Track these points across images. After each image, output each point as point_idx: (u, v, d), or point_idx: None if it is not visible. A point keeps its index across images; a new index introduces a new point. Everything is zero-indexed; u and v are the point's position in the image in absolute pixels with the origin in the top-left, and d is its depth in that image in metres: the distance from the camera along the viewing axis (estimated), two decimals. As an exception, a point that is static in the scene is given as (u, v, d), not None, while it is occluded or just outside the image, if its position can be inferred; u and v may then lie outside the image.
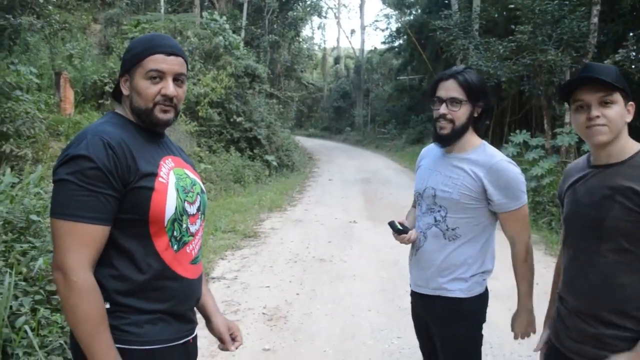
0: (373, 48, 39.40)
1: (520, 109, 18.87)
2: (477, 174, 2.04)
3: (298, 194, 12.42)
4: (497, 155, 2.07)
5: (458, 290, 2.08)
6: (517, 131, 11.04)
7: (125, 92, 1.58)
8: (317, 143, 29.80)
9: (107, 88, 11.31)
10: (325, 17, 42.49)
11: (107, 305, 1.43)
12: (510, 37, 11.41)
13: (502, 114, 20.25)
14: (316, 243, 7.14)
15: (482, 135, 2.16)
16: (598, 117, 1.65)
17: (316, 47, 42.95)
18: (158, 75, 1.53)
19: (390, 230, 2.19)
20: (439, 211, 2.11)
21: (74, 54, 11.82)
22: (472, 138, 2.11)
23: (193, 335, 1.65)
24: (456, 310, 2.09)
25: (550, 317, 2.00)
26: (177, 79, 1.57)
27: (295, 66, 25.83)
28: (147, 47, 1.55)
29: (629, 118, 1.70)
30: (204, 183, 8.66)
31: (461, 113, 2.03)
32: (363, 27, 38.48)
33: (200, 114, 13.47)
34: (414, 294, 2.27)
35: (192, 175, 1.66)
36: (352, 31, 67.44)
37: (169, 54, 1.55)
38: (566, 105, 11.21)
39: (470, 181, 2.04)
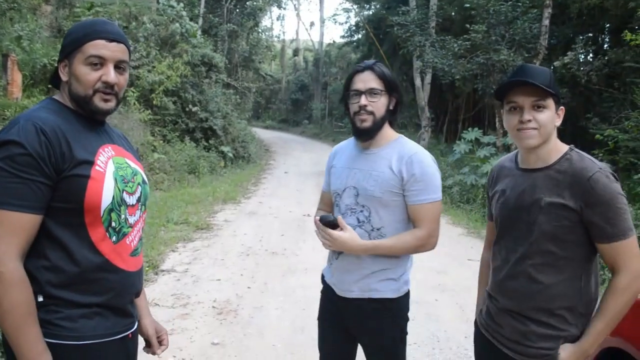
0: (332, 41, 39.41)
1: (474, 106, 19.30)
2: (396, 168, 2.00)
3: (253, 186, 12.35)
4: (415, 147, 2.05)
5: (389, 290, 2.04)
6: (470, 129, 11.26)
7: (63, 77, 1.53)
8: (274, 135, 29.67)
9: (57, 72, 10.90)
10: (284, 9, 42.15)
11: (40, 298, 1.39)
12: (465, 36, 11.62)
13: (456, 111, 20.68)
14: (269, 236, 7.12)
15: (398, 129, 2.17)
16: (530, 120, 1.69)
17: (275, 39, 42.66)
18: (99, 62, 1.49)
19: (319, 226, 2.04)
20: (361, 211, 2.04)
21: (23, 35, 11.33)
22: (388, 132, 2.09)
23: (132, 330, 1.60)
24: (387, 310, 2.04)
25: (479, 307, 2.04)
26: (119, 66, 1.53)
27: (253, 57, 25.49)
28: (88, 32, 1.50)
29: (558, 122, 1.76)
30: (157, 173, 8.45)
31: (380, 104, 2.02)
32: (322, 20, 38.37)
33: (154, 102, 13.18)
34: (339, 299, 2.13)
35: (133, 164, 1.62)
36: (312, 24, 67.27)
37: (111, 40, 1.50)
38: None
39: (391, 176, 2.00)
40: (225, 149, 15.54)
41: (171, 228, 7.26)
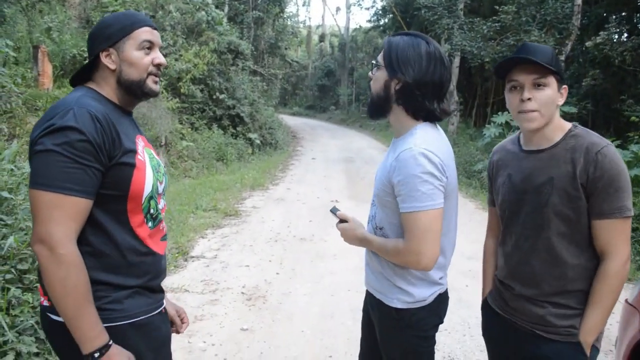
0: (358, 26, 39.09)
1: (503, 89, 18.92)
2: (390, 166, 1.72)
3: (281, 172, 12.36)
4: (411, 142, 1.67)
5: (396, 299, 1.79)
6: (500, 113, 11.04)
7: (111, 65, 1.55)
8: (301, 121, 29.67)
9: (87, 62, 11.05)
10: (310, -6, 41.87)
11: None
12: (494, 17, 11.37)
13: (485, 94, 20.32)
14: (297, 222, 7.12)
15: (419, 118, 1.77)
16: (530, 99, 1.65)
17: (301, 25, 42.49)
18: (150, 46, 1.57)
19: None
20: (373, 205, 1.89)
21: (53, 27, 11.52)
22: (404, 120, 1.77)
23: (164, 305, 1.68)
24: (393, 320, 1.81)
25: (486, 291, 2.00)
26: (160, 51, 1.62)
27: (279, 43, 25.46)
28: (134, 20, 1.56)
29: (561, 101, 1.71)
30: (185, 160, 8.55)
31: (376, 79, 1.78)
32: (348, 5, 38.05)
33: (182, 90, 13.27)
34: (366, 290, 2.02)
35: (156, 156, 1.68)
36: (338, 9, 66.84)
37: (154, 28, 1.60)
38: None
39: (385, 171, 1.75)
40: (252, 136, 15.59)
41: (200, 215, 7.32)
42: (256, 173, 11.51)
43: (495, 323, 1.89)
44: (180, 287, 4.49)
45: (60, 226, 1.35)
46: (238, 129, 15.22)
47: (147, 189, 1.52)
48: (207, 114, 14.39)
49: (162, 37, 13.17)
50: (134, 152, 1.50)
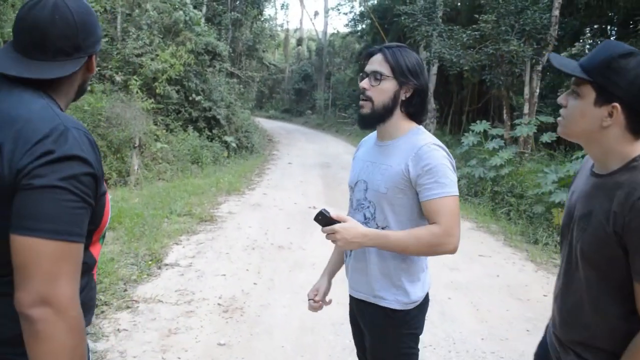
0: (336, 31, 39.13)
1: (479, 98, 19.08)
2: (402, 162, 1.80)
3: (257, 177, 12.18)
4: (425, 139, 1.82)
5: (394, 300, 1.85)
6: (478, 121, 11.07)
7: (82, 75, 1.33)
8: (277, 125, 29.48)
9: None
10: (288, -3, 41.73)
11: None
12: (474, 26, 11.40)
13: (461, 102, 20.47)
14: (275, 229, 6.96)
15: (420, 122, 1.92)
16: (563, 105, 1.44)
17: (279, 28, 42.31)
18: None
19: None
20: (368, 207, 1.89)
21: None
22: (402, 123, 1.87)
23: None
24: (390, 320, 1.86)
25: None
26: None
27: (257, 46, 25.21)
28: (100, 31, 1.33)
29: (608, 122, 1.36)
30: (160, 163, 8.28)
31: (381, 90, 1.81)
32: (327, 10, 38.06)
33: (157, 90, 12.99)
34: (351, 298, 2.06)
35: None
36: (316, 13, 66.93)
37: None
38: (525, 96, 11.43)
39: (397, 171, 1.81)
40: (228, 139, 15.38)
41: (174, 220, 7.11)
42: (232, 177, 11.31)
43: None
44: (153, 298, 4.29)
45: (71, 282, 1.09)
46: (214, 131, 14.99)
47: (107, 217, 1.31)
48: (182, 116, 14.13)
49: (138, 36, 13.03)
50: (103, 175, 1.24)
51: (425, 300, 1.95)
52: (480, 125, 10.72)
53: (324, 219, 1.76)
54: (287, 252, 5.87)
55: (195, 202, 8.30)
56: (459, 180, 8.50)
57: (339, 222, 1.76)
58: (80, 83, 1.33)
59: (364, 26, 30.22)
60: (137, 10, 13.85)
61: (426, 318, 3.85)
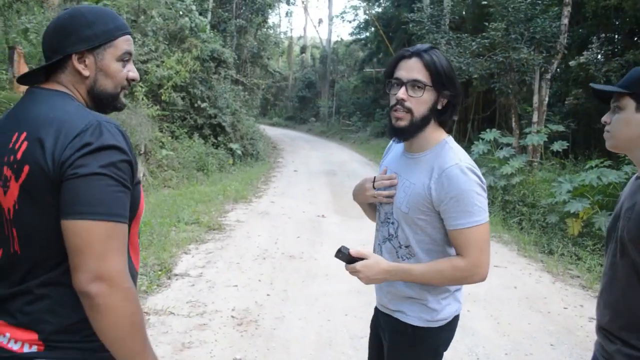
0: (340, 39, 39.14)
1: (484, 107, 18.97)
2: (425, 182, 1.69)
3: (263, 184, 12.08)
4: (452, 158, 1.67)
5: (416, 317, 1.76)
6: (488, 129, 10.96)
7: (85, 72, 1.34)
8: (281, 132, 29.43)
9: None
10: (293, 4, 41.75)
11: None
12: (484, 34, 11.32)
13: (466, 111, 20.35)
14: (285, 238, 6.84)
15: (449, 131, 1.81)
16: (607, 123, 1.59)
17: (283, 35, 42.34)
18: (129, 58, 1.40)
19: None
20: (392, 223, 1.79)
21: (30, 27, 11.11)
22: (434, 134, 1.74)
23: None
24: (410, 337, 1.77)
25: None
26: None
27: (261, 53, 25.19)
28: (118, 24, 1.37)
29: None
30: (165, 170, 8.24)
31: (422, 101, 1.67)
32: (331, 17, 38.07)
33: (163, 97, 12.93)
34: (376, 309, 2.00)
35: None
36: (320, 21, 66.74)
37: (131, 35, 1.42)
38: (534, 104, 11.35)
39: (421, 191, 1.69)
40: (234, 146, 15.29)
41: (182, 228, 7.00)
42: (238, 184, 11.20)
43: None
44: (164, 309, 4.17)
45: (120, 258, 1.19)
46: (219, 138, 14.90)
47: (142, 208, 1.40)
48: (188, 123, 14.06)
49: (143, 42, 12.98)
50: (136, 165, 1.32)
51: (454, 320, 1.84)
52: (490, 134, 10.61)
53: (344, 256, 1.71)
54: (298, 262, 5.75)
55: (202, 210, 8.19)
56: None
57: (360, 258, 1.71)
58: (89, 85, 1.36)
59: (368, 34, 30.23)
60: (142, 17, 13.80)
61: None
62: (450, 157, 1.67)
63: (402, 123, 1.70)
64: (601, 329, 1.59)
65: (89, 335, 1.22)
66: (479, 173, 1.68)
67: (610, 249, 1.61)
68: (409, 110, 1.68)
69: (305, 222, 7.88)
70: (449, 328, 1.81)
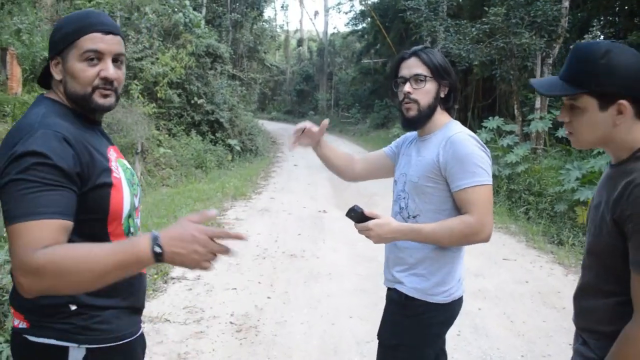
0: (336, 31, 38.87)
1: (485, 94, 18.71)
2: (435, 151, 1.87)
3: (263, 180, 11.87)
4: (457, 129, 1.88)
5: (412, 288, 1.86)
6: (490, 117, 10.73)
7: (57, 76, 1.40)
8: (280, 127, 29.16)
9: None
10: (288, -3, 41.31)
11: (73, 307, 1.35)
12: (484, 19, 11.06)
13: (466, 99, 20.08)
14: (285, 235, 6.63)
15: (452, 114, 2.01)
16: (565, 122, 1.42)
17: (279, 29, 42.00)
18: (96, 57, 1.38)
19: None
20: (404, 198, 1.96)
21: (23, 28, 10.90)
22: (440, 117, 1.95)
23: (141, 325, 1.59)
24: (407, 309, 1.87)
25: None
26: (117, 59, 1.42)
27: (258, 47, 24.92)
28: (82, 25, 1.38)
29: (620, 120, 1.35)
30: (163, 168, 8.11)
31: (426, 91, 1.90)
32: (327, 9, 37.76)
33: (159, 95, 12.72)
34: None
35: (127, 164, 1.54)
36: (316, 13, 66.38)
37: (107, 33, 1.39)
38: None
39: (430, 161, 1.87)
40: (232, 142, 15.08)
41: (180, 228, 6.79)
42: (237, 181, 10.99)
43: None
44: (160, 316, 3.96)
45: (24, 246, 1.18)
46: (217, 134, 14.69)
47: (126, 208, 1.41)
48: (185, 120, 13.84)
49: (137, 40, 12.73)
50: (109, 170, 1.38)
51: (453, 304, 1.89)
52: (493, 122, 10.39)
53: (356, 216, 1.81)
54: (300, 261, 5.54)
55: (200, 209, 7.96)
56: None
57: (371, 218, 1.82)
58: (63, 87, 1.41)
59: (364, 25, 29.91)
60: (135, 14, 13.56)
61: (457, 333, 3.50)
62: (454, 129, 1.89)
63: (412, 113, 1.91)
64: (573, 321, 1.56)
65: (65, 318, 1.33)
66: (482, 143, 1.85)
67: (586, 242, 1.51)
68: (416, 101, 1.90)
69: (306, 219, 7.67)
70: (445, 309, 1.86)
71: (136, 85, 11.91)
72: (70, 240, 1.26)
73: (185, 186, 10.36)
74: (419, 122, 1.93)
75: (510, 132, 10.23)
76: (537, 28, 10.94)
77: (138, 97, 11.90)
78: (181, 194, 9.18)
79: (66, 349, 1.34)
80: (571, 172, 7.14)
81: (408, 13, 13.53)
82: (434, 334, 1.89)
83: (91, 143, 1.37)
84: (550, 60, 11.06)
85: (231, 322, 3.92)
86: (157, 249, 1.17)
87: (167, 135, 12.78)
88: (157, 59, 12.86)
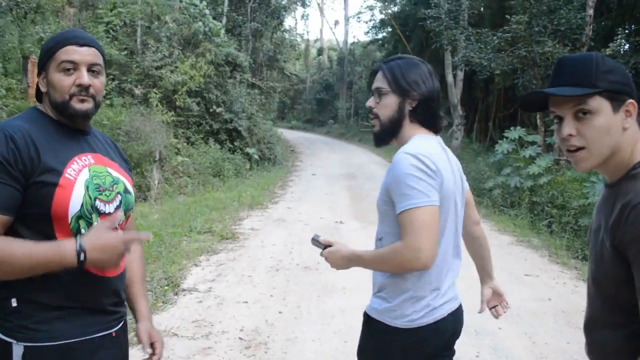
0: (356, 40, 38.81)
1: (506, 104, 18.42)
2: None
3: (280, 189, 11.78)
4: (405, 148, 1.73)
5: (373, 309, 1.78)
6: (512, 127, 10.51)
7: (43, 88, 1.57)
8: (300, 135, 29.15)
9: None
10: (308, 5, 41.39)
11: (14, 303, 1.43)
12: (505, 28, 10.88)
13: (486, 109, 19.80)
14: (300, 247, 6.50)
15: (437, 129, 1.86)
16: (572, 136, 1.25)
17: (299, 38, 42.13)
18: (72, 67, 1.52)
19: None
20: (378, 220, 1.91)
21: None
22: (408, 132, 1.81)
23: (116, 328, 1.61)
24: (366, 325, 1.83)
25: None
26: (92, 69, 1.55)
27: (278, 56, 24.97)
28: (58, 40, 1.55)
29: (628, 124, 1.25)
30: (180, 177, 8.15)
31: (385, 104, 1.80)
32: (347, 19, 37.74)
33: (177, 103, 12.75)
34: None
35: (115, 173, 1.64)
36: (336, 22, 66.44)
37: (81, 45, 1.54)
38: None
39: (383, 182, 1.78)
40: (250, 150, 15.05)
41: (194, 238, 6.72)
42: (254, 190, 10.92)
43: None
44: (168, 330, 3.86)
45: None
46: (235, 143, 14.67)
47: (74, 209, 1.47)
48: (203, 128, 13.85)
49: (157, 48, 12.79)
50: (59, 170, 1.47)
51: (420, 333, 1.72)
52: (515, 132, 10.17)
53: (318, 244, 1.89)
54: (314, 274, 5.40)
55: (216, 218, 7.91)
56: (491, 191, 7.99)
57: (329, 246, 1.86)
58: (48, 98, 1.55)
59: (385, 34, 29.82)
60: (156, 23, 13.67)
61: (477, 355, 3.32)
62: (405, 147, 1.73)
63: (375, 129, 1.85)
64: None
65: (7, 315, 1.43)
66: (425, 159, 1.65)
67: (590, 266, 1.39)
68: (376, 116, 1.83)
69: (323, 229, 7.52)
70: (408, 335, 1.71)
71: (155, 93, 11.96)
72: (18, 234, 1.41)
73: (202, 195, 10.32)
74: (381, 137, 1.84)
75: (533, 143, 10.00)
76: (561, 36, 10.73)
77: (157, 105, 11.95)
78: (197, 202, 9.13)
79: (10, 344, 1.42)
80: (596, 185, 6.91)
81: (428, 22, 13.39)
82: (397, 358, 1.76)
83: (49, 145, 1.47)
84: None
85: (240, 338, 3.80)
86: (82, 258, 1.36)
87: (185, 144, 12.79)
88: (177, 67, 12.91)
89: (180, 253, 5.91)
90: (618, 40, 10.99)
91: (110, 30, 12.68)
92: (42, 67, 1.55)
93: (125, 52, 12.66)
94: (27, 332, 1.43)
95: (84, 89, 1.52)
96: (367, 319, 1.81)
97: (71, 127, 1.58)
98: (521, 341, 3.85)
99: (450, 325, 1.78)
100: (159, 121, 11.46)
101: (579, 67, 1.26)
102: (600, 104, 1.23)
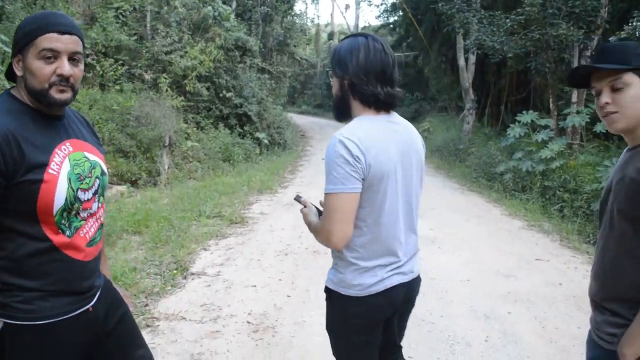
0: (367, 24, 38.44)
1: (519, 88, 18.18)
2: None
3: (290, 174, 11.76)
4: (342, 129, 1.81)
5: (330, 280, 1.91)
6: (524, 111, 10.37)
7: (18, 72, 1.53)
8: (310, 120, 29.07)
9: (89, 60, 10.57)
10: (319, -9, 41.03)
11: None
12: (519, 10, 10.69)
13: (498, 93, 19.56)
14: (309, 231, 6.47)
15: (379, 108, 1.89)
16: (608, 104, 1.56)
17: (309, 22, 41.85)
18: (52, 55, 1.49)
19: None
20: None
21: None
22: (356, 110, 1.90)
23: (92, 303, 1.66)
24: (327, 299, 1.94)
25: None
26: (73, 58, 1.53)
27: (288, 40, 24.78)
28: (39, 25, 1.49)
29: None
30: (190, 161, 8.19)
31: (333, 85, 1.93)
32: (358, 3, 37.41)
33: (187, 88, 12.73)
34: None
35: (92, 157, 1.65)
36: (347, 6, 65.73)
37: (63, 33, 1.50)
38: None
39: None
40: (260, 135, 15.02)
41: (203, 222, 6.73)
42: (264, 175, 10.91)
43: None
44: (176, 314, 3.86)
45: None
46: (245, 128, 14.65)
47: (59, 203, 1.50)
48: (213, 113, 13.83)
49: (167, 33, 12.72)
50: (43, 166, 1.47)
51: (369, 300, 1.83)
52: (527, 116, 10.04)
53: (299, 201, 2.03)
54: (323, 258, 5.38)
55: (225, 203, 7.92)
56: (502, 175, 7.87)
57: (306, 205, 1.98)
58: (23, 83, 1.52)
59: (396, 18, 29.46)
60: (165, 8, 13.58)
61: (486, 340, 3.29)
62: (339, 130, 1.80)
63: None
64: (592, 301, 1.65)
65: None
66: (350, 144, 1.71)
67: (602, 222, 1.65)
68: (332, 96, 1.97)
69: (331, 214, 7.51)
70: (360, 302, 1.83)
71: (165, 78, 11.94)
72: (2, 223, 1.45)
73: (212, 179, 10.32)
74: (335, 114, 1.98)
75: (545, 127, 9.87)
76: (575, 19, 10.50)
77: (167, 90, 11.93)
78: (207, 187, 9.13)
79: None
80: (609, 169, 6.81)
81: (440, 4, 13.18)
82: (354, 324, 1.87)
83: (30, 140, 1.46)
84: (588, 53, 10.61)
85: (248, 322, 3.80)
86: None
87: (195, 129, 12.79)
88: (186, 52, 12.86)
89: (189, 237, 5.92)
90: (634, 23, 10.78)
91: (120, 16, 12.62)
92: (20, 50, 1.51)
93: (135, 37, 12.62)
94: (8, 310, 1.47)
95: (64, 79, 1.50)
96: (326, 290, 1.93)
97: (47, 113, 1.56)
98: (531, 325, 3.81)
99: (402, 295, 1.89)
100: (169, 106, 11.46)
101: (617, 49, 1.56)
102: (632, 79, 1.53)
